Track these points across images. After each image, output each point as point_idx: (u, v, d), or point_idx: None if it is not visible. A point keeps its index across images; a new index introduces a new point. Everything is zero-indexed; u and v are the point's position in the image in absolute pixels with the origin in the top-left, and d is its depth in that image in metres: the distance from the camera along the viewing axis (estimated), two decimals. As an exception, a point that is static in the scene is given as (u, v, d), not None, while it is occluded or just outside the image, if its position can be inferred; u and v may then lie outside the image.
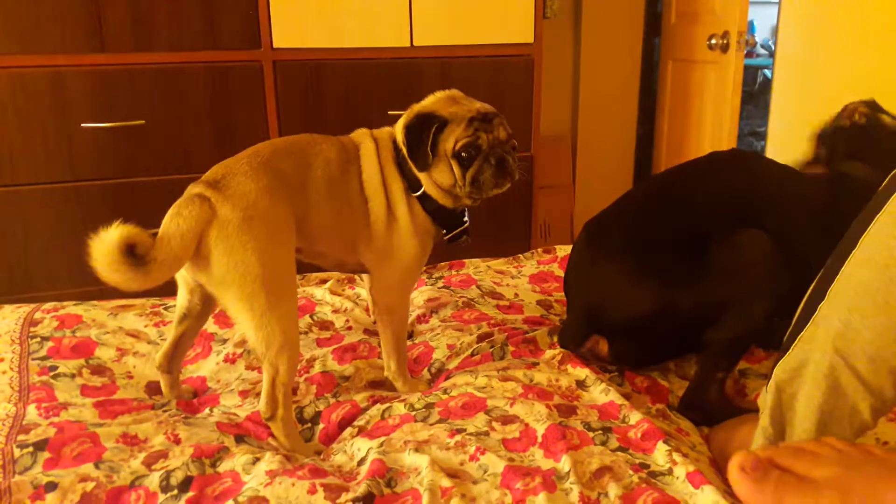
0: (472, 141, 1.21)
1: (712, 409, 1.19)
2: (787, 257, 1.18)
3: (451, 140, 1.22)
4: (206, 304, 1.21)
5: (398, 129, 1.27)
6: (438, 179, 1.24)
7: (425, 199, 1.26)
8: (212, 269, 1.06)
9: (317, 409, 1.22)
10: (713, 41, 2.99)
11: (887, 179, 0.85)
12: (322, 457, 1.11)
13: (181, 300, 1.20)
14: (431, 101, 1.27)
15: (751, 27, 2.94)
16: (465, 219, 1.31)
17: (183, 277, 1.17)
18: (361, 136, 1.29)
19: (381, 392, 1.28)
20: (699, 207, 1.30)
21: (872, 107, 1.49)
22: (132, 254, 0.99)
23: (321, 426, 1.19)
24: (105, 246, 0.98)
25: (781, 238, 1.20)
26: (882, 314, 0.81)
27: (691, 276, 1.21)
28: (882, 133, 1.47)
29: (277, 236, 1.10)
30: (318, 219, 1.18)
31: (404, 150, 1.24)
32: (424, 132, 1.21)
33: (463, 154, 1.22)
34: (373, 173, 1.24)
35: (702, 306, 1.20)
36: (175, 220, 1.04)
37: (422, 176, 1.25)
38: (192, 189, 1.09)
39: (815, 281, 0.92)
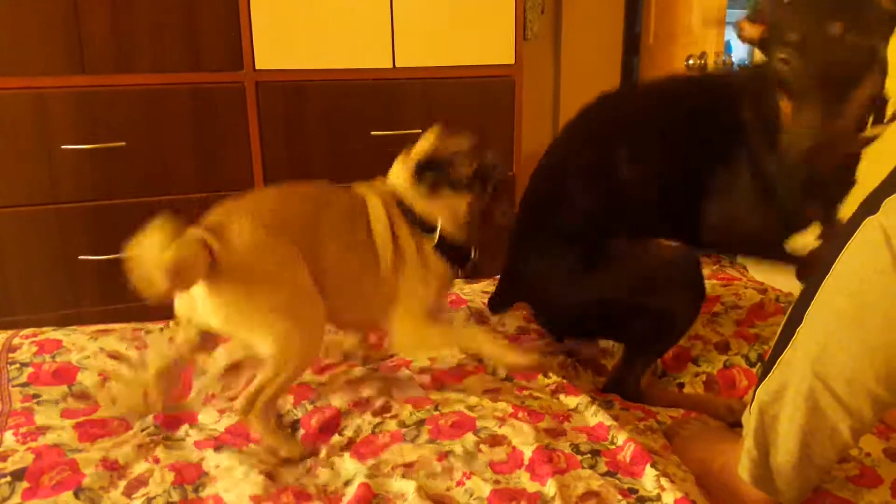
0: (482, 161, 1.28)
1: (629, 398, 1.31)
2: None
3: (465, 168, 1.26)
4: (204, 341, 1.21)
5: (402, 184, 1.27)
6: (455, 207, 1.26)
7: (441, 245, 1.26)
8: (215, 314, 1.08)
9: (295, 417, 1.21)
10: (691, 61, 3.03)
11: (859, 206, 0.86)
12: (308, 465, 1.09)
13: (184, 334, 1.19)
14: (425, 146, 1.29)
15: (727, 47, 2.98)
16: (474, 254, 1.32)
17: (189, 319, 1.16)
18: (364, 189, 1.28)
19: (360, 394, 1.26)
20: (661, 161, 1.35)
21: None
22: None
23: (301, 432, 1.18)
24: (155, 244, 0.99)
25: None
26: (857, 339, 0.83)
27: (627, 278, 1.31)
28: None
29: (280, 276, 1.10)
30: (326, 265, 1.16)
31: (420, 188, 1.25)
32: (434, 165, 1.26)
33: (479, 174, 1.28)
34: (383, 228, 1.23)
35: (632, 307, 1.30)
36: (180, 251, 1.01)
37: (443, 215, 1.26)
38: (193, 234, 1.06)
39: (793, 304, 0.93)
